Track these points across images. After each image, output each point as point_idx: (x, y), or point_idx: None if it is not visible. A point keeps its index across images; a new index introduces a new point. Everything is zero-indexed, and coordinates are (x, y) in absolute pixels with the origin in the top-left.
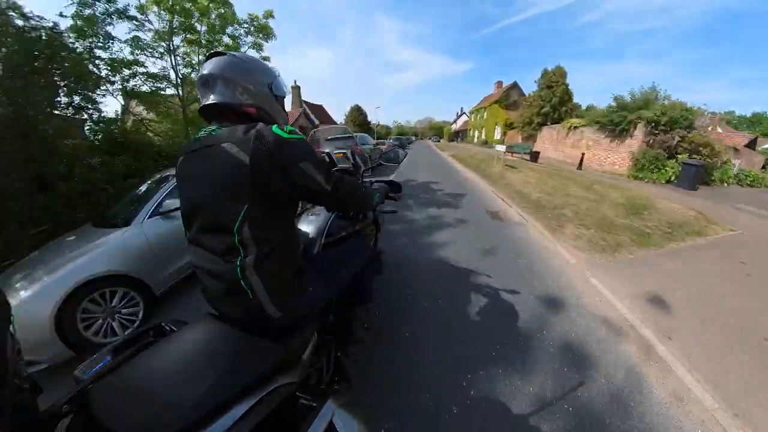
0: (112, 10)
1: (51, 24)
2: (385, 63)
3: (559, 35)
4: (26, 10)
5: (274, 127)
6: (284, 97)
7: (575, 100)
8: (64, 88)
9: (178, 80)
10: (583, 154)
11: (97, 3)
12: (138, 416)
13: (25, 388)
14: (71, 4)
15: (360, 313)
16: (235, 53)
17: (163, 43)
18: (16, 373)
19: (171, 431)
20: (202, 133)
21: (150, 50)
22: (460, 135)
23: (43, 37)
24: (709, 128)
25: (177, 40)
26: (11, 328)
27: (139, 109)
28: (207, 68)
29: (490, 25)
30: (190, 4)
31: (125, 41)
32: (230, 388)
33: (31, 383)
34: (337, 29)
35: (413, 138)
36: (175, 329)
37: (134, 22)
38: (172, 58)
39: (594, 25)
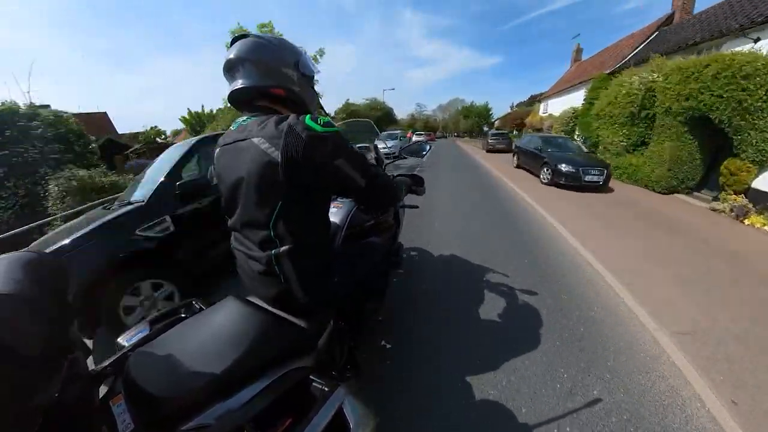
0: None
1: None
2: (410, 58)
3: (597, 24)
4: None
5: (308, 119)
6: (312, 77)
7: None
8: None
9: None
10: None
11: None
12: (168, 382)
13: (78, 348)
14: None
15: (375, 305)
16: (258, 34)
17: None
18: (71, 336)
19: (195, 398)
20: (235, 125)
21: None
22: None
23: None
24: None
25: None
26: (69, 296)
27: None
28: (231, 52)
29: (520, 16)
30: None
31: None
32: (251, 365)
33: (82, 345)
34: (359, 24)
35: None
36: (204, 307)
37: None
38: None
39: (638, 12)
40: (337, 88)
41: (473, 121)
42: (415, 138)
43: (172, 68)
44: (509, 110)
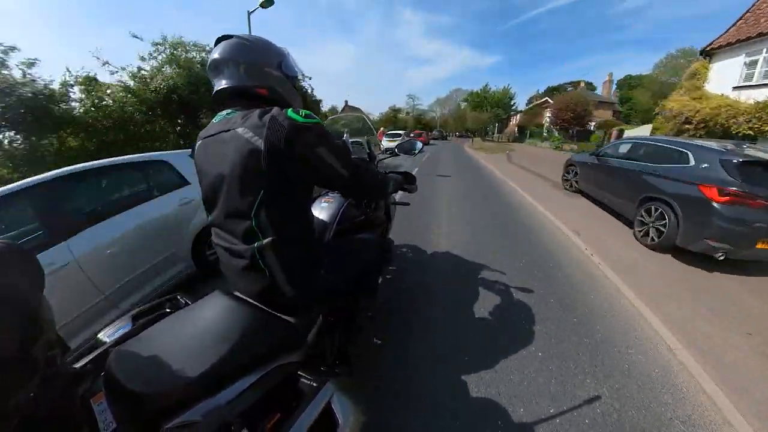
0: None
1: None
2: (410, 58)
3: (595, 24)
4: None
5: (290, 111)
6: (296, 77)
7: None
8: None
9: None
10: None
11: None
12: (152, 378)
13: (55, 346)
14: None
15: (364, 302)
16: (241, 35)
17: None
18: (48, 332)
19: (181, 394)
20: (218, 118)
21: None
22: None
23: None
24: None
25: None
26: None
27: None
28: (216, 53)
29: (519, 15)
30: None
31: None
32: (238, 361)
33: (60, 342)
34: (359, 24)
35: None
36: (189, 302)
37: None
38: None
39: (638, 11)
40: (336, 89)
41: (491, 113)
42: (385, 142)
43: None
44: (532, 103)
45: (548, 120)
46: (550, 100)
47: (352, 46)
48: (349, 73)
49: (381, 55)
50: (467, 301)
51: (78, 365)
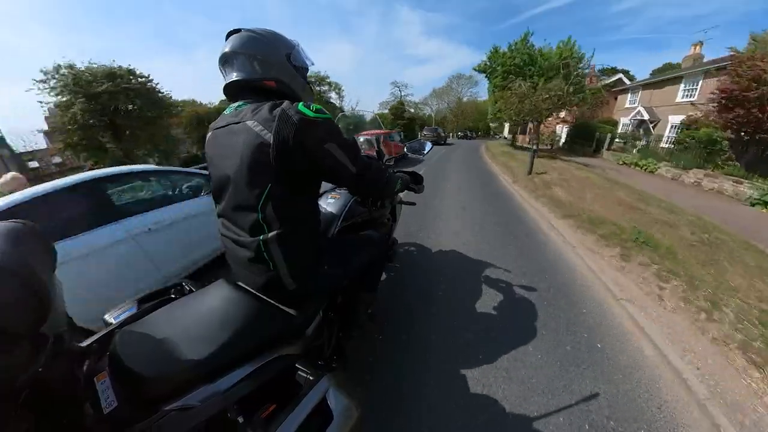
0: None
1: None
2: (409, 56)
3: (593, 24)
4: None
5: (300, 106)
6: (306, 69)
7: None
8: None
9: None
10: None
11: None
12: (154, 362)
13: (64, 325)
14: None
15: (365, 298)
16: (250, 28)
17: None
18: (58, 311)
19: (181, 379)
20: (229, 110)
21: None
22: None
23: None
24: None
25: None
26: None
27: None
28: (226, 46)
29: (517, 15)
30: None
31: None
32: (238, 349)
33: (68, 321)
34: (358, 23)
35: None
36: (194, 290)
37: None
38: None
39: (633, 12)
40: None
41: (562, 85)
42: None
43: (170, 68)
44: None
45: (639, 112)
46: (625, 79)
47: (351, 46)
48: (349, 73)
49: (380, 54)
50: (469, 299)
51: (84, 344)
